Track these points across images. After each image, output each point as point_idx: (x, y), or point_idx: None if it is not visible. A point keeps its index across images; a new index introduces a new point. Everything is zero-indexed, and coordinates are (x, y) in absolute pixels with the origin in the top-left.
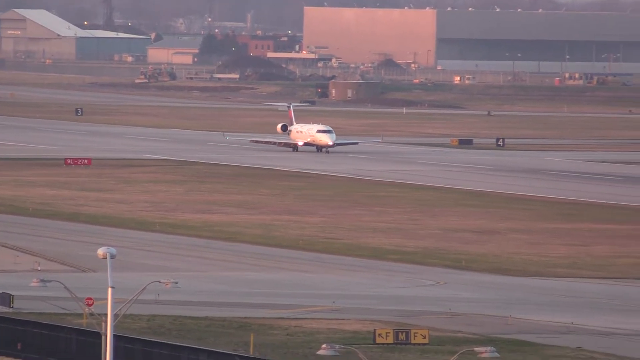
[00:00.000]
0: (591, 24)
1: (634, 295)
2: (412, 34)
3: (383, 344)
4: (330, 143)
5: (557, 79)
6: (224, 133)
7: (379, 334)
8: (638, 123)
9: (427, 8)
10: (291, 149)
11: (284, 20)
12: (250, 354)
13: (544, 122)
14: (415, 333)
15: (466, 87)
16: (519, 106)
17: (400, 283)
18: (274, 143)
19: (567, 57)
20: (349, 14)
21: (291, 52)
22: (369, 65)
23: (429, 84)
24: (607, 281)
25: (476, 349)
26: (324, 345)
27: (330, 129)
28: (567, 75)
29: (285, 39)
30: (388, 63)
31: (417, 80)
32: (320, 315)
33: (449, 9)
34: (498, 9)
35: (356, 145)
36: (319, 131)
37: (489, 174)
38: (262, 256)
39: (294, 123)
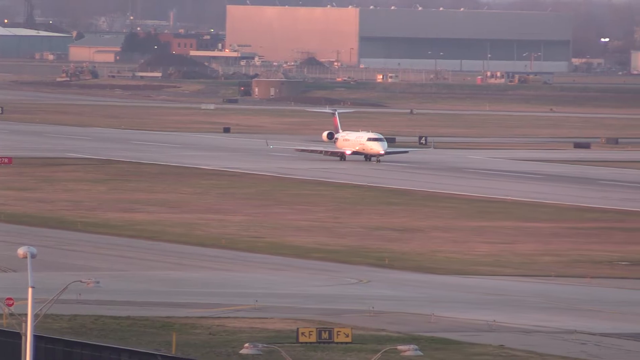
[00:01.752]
0: (512, 23)
1: (557, 293)
2: (334, 32)
3: (306, 342)
4: (382, 152)
5: (479, 77)
6: (268, 142)
7: (302, 333)
8: (559, 121)
9: (350, 6)
10: (338, 158)
11: (206, 18)
12: (173, 353)
13: (466, 121)
14: (338, 332)
15: (389, 86)
16: (441, 104)
17: (323, 281)
18: (320, 152)
19: (489, 55)
20: (271, 12)
21: (214, 50)
22: (292, 63)
23: (351, 83)
24: (529, 279)
25: (399, 347)
26: (246, 345)
27: (382, 136)
28: (488, 73)
29: (208, 37)
30: (311, 61)
31: (339, 79)
32: (243, 314)
33: (371, 7)
34: (420, 8)
35: (407, 154)
36: (369, 139)
37: (412, 171)
38: (185, 255)
39: (340, 130)
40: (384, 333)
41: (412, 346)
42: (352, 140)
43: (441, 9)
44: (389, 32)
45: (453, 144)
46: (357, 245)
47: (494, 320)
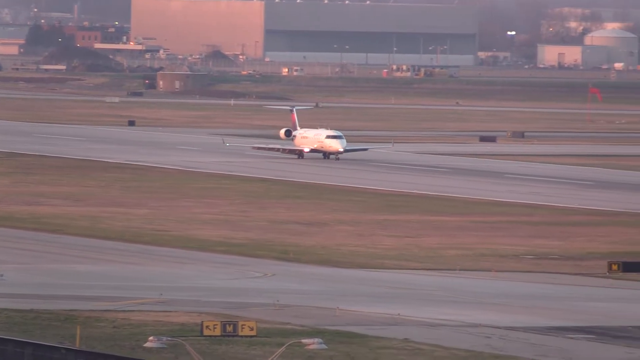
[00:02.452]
0: (419, 16)
1: (461, 286)
2: (240, 25)
3: (210, 336)
4: (341, 149)
5: (385, 70)
6: (224, 139)
7: (207, 326)
8: (465, 115)
9: None
10: (296, 156)
11: (111, 11)
12: (77, 346)
13: (372, 114)
14: (242, 325)
15: (294, 79)
16: (347, 98)
17: (228, 275)
18: (278, 150)
19: (395, 48)
20: (176, 4)
21: (119, 43)
22: (197, 56)
23: (256, 76)
24: (435, 272)
25: (304, 340)
26: (151, 338)
27: (341, 134)
28: (394, 67)
29: (113, 30)
30: (216, 54)
31: (245, 72)
32: (148, 308)
33: (277, 0)
34: (326, 1)
35: (365, 151)
36: (328, 137)
37: (317, 165)
38: (89, 248)
39: (298, 128)
40: (288, 326)
41: (316, 340)
42: (311, 137)
43: (347, 1)
44: (294, 25)
45: (358, 137)
46: (262, 239)
47: (399, 314)
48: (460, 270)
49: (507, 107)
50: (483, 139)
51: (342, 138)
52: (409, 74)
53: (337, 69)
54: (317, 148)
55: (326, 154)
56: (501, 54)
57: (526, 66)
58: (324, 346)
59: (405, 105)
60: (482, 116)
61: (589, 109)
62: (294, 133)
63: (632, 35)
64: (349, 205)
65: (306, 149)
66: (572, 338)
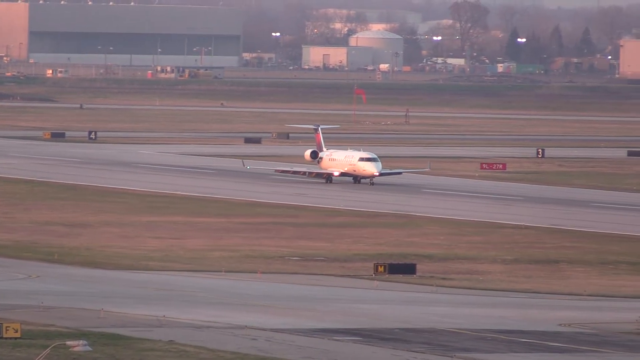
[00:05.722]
0: (184, 17)
1: (227, 288)
2: (4, 26)
3: None
4: (376, 173)
5: (150, 72)
6: (244, 162)
7: None
8: (230, 116)
9: (19, 0)
10: (324, 180)
11: None
12: None
13: (136, 115)
14: (7, 327)
15: (58, 80)
16: (111, 99)
17: None
18: (304, 173)
19: (159, 50)
20: None
21: None
22: None
23: (21, 77)
24: (199, 274)
25: (68, 342)
26: None
27: (375, 156)
28: (159, 68)
29: None
30: None
31: (9, 74)
32: None
33: (41, 1)
34: (90, 2)
35: (400, 175)
36: (362, 159)
37: (81, 167)
38: None
39: (324, 149)
40: (53, 328)
41: (81, 341)
42: (340, 160)
43: (111, 3)
44: (59, 27)
45: (122, 138)
46: (26, 240)
47: (164, 316)
48: (225, 271)
49: (273, 108)
50: (248, 140)
51: (378, 161)
52: (173, 75)
53: (101, 71)
54: (349, 172)
55: (357, 178)
56: (266, 55)
57: (291, 67)
58: (88, 348)
59: (169, 106)
60: (247, 117)
61: (354, 110)
62: (320, 155)
63: (397, 37)
64: (112, 206)
65: (335, 173)
66: (338, 340)
